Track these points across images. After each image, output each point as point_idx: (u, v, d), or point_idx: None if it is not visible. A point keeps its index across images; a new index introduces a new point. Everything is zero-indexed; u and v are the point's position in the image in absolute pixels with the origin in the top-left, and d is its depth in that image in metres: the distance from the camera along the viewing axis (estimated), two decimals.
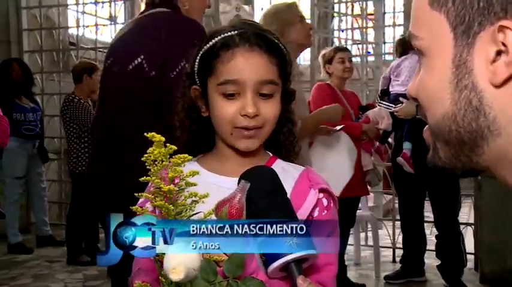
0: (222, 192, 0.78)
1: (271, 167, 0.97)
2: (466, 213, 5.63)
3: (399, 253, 4.20)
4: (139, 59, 1.67)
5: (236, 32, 0.99)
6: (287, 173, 1.02)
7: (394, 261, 4.42)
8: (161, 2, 1.82)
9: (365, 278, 3.99)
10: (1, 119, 2.24)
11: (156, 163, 0.76)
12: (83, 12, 6.12)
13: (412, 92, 0.68)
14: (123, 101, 1.72)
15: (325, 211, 0.99)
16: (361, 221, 4.26)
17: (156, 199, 0.76)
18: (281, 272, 0.81)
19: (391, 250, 4.50)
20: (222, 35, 0.99)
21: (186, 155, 0.77)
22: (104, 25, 6.44)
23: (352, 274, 4.00)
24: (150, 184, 1.03)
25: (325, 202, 1.00)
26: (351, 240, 4.34)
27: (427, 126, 0.68)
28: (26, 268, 4.29)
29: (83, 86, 4.51)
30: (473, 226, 4.18)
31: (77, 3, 6.07)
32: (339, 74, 3.52)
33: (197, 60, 1.02)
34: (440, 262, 3.71)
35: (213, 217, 0.79)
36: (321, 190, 1.00)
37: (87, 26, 6.14)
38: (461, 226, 3.84)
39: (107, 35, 6.40)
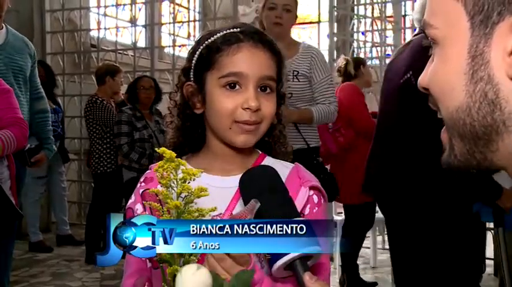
0: (212, 191, 0.78)
1: (270, 166, 0.96)
2: None
3: None
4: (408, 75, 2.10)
5: (238, 29, 1.01)
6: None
7: None
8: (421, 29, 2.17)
9: (382, 282, 3.95)
10: (21, 123, 2.27)
11: (164, 176, 0.76)
12: (104, 15, 6.20)
13: (424, 83, 0.64)
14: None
15: (316, 208, 1.01)
16: (378, 224, 4.22)
17: (164, 213, 0.75)
18: (286, 271, 0.79)
19: None
20: (224, 32, 1.01)
21: (196, 169, 0.76)
22: (124, 27, 6.51)
23: (368, 277, 3.98)
24: (138, 186, 1.05)
25: (315, 199, 1.01)
26: (368, 243, 4.31)
27: (444, 127, 0.65)
28: (45, 266, 4.35)
29: (106, 88, 4.58)
30: (492, 231, 4.11)
31: (99, 6, 6.16)
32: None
33: (196, 55, 1.02)
34: None
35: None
36: (311, 187, 1.01)
37: (108, 28, 6.22)
38: None
39: (127, 37, 6.46)
